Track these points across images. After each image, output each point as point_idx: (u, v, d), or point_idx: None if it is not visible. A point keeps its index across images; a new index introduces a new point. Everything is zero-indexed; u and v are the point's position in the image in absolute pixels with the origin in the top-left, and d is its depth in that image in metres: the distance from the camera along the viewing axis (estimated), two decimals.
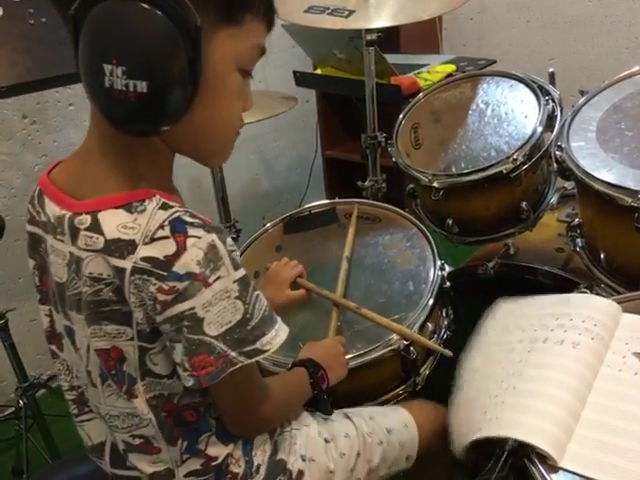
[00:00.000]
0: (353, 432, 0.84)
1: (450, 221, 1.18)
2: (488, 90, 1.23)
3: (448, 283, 1.04)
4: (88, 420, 0.74)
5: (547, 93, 1.15)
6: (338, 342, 0.93)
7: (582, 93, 1.12)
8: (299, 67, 2.09)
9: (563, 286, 1.12)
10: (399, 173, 1.25)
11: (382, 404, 1.00)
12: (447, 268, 1.05)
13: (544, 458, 0.64)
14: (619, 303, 0.81)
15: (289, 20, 1.26)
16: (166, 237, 0.56)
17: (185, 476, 0.70)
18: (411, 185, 1.30)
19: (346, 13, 1.18)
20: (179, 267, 0.56)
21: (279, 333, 0.64)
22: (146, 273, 0.56)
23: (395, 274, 1.08)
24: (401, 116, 1.26)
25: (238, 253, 0.62)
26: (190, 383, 0.61)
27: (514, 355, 0.79)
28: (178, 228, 0.57)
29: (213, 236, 0.57)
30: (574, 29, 2.29)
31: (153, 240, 0.56)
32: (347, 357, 0.92)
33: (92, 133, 0.62)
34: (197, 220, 0.58)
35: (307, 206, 1.23)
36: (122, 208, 0.58)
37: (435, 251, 1.07)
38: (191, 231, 0.57)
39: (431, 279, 1.03)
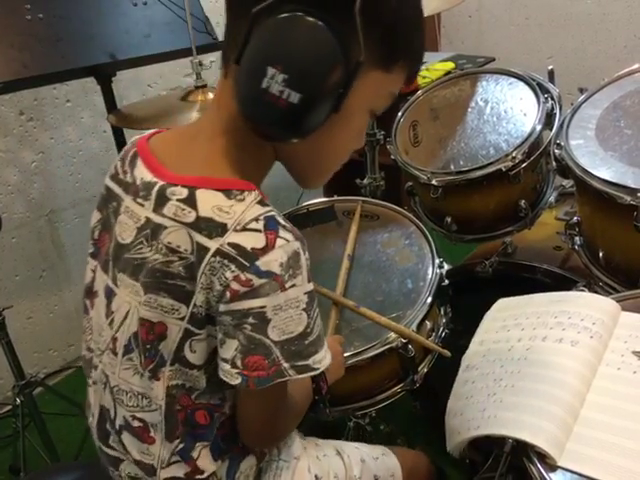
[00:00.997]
0: (342, 473, 0.82)
1: (449, 219, 1.18)
2: (487, 88, 1.22)
3: (446, 281, 1.04)
4: (89, 385, 0.74)
5: (546, 91, 1.14)
6: (337, 342, 0.93)
7: (581, 91, 1.12)
8: None
9: (561, 284, 1.12)
10: (397, 171, 1.25)
11: (380, 402, 1.00)
12: (445, 266, 1.05)
13: (543, 457, 0.63)
14: (618, 302, 0.81)
15: None
16: (258, 230, 0.57)
17: None
18: (409, 183, 1.30)
19: None
20: (262, 263, 0.56)
21: (327, 355, 0.62)
22: (228, 258, 0.57)
23: (393, 272, 1.08)
24: (400, 113, 1.25)
25: (309, 269, 0.61)
26: (237, 381, 0.59)
27: (513, 353, 0.78)
28: (271, 226, 0.57)
29: (299, 244, 0.58)
30: (573, 27, 2.29)
31: (245, 229, 0.57)
32: (345, 355, 0.91)
33: (210, 117, 0.65)
34: (288, 225, 0.59)
35: (305, 204, 1.23)
36: (222, 192, 0.59)
37: (434, 249, 1.06)
38: (282, 233, 0.57)
39: (429, 277, 1.03)
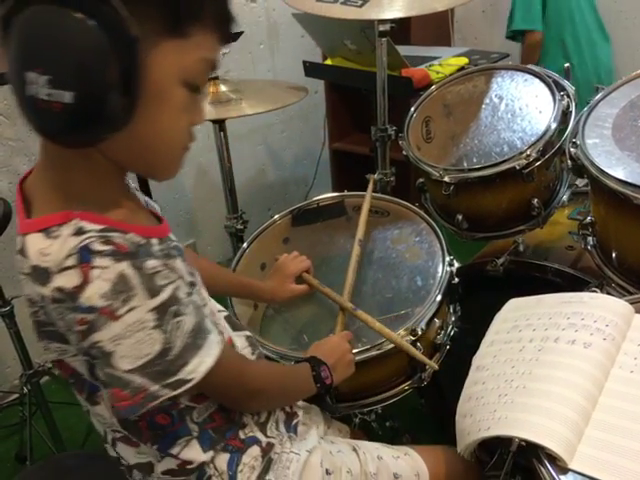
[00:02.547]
0: (357, 469, 0.81)
1: (460, 216, 1.17)
2: (502, 84, 1.21)
3: (457, 279, 1.03)
4: None
5: (562, 88, 1.13)
6: (344, 339, 0.92)
7: (597, 89, 1.10)
8: (308, 57, 2.07)
9: (573, 285, 1.11)
10: (407, 167, 1.23)
11: (387, 399, 0.99)
12: (456, 264, 1.04)
13: (554, 459, 0.63)
14: (631, 304, 0.80)
15: (301, 9, 1.25)
16: (73, 267, 0.53)
17: (163, 473, 0.70)
18: (420, 179, 1.29)
19: (359, 3, 1.16)
20: (84, 300, 0.53)
21: (204, 359, 0.59)
22: (60, 303, 0.55)
23: (403, 269, 1.07)
24: (413, 109, 1.24)
25: (166, 273, 0.57)
26: (115, 412, 0.60)
27: (524, 354, 0.77)
28: (85, 258, 0.53)
29: (123, 265, 0.54)
30: None
31: (62, 269, 0.54)
32: (354, 352, 0.91)
33: (41, 144, 0.59)
34: (108, 248, 0.54)
35: (315, 199, 1.22)
36: (43, 232, 0.56)
37: (444, 247, 1.05)
38: (97, 261, 0.53)
39: (439, 275, 1.02)
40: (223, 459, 0.72)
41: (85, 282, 0.53)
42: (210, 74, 0.61)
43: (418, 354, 0.93)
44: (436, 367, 0.95)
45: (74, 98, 0.48)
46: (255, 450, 0.74)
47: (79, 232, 0.54)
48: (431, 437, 1.42)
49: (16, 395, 1.79)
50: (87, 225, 0.55)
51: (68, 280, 0.53)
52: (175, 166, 0.63)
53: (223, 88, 1.40)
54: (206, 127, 2.17)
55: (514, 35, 2.13)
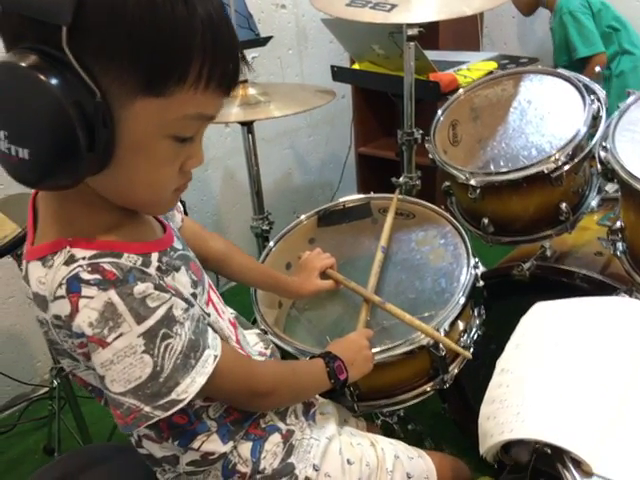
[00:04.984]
0: (374, 463, 0.82)
1: (486, 220, 1.16)
2: (531, 87, 1.20)
3: (481, 282, 1.02)
4: None
5: (592, 92, 1.11)
6: (364, 336, 0.92)
7: (629, 94, 1.09)
8: (336, 63, 2.09)
9: (601, 291, 1.09)
10: (432, 172, 1.23)
11: (409, 400, 0.99)
12: (481, 267, 1.04)
13: (578, 463, 0.62)
14: None
15: (331, 13, 1.26)
16: (63, 297, 0.54)
17: (187, 464, 0.72)
18: (447, 183, 1.28)
19: (388, 7, 1.17)
20: (76, 328, 0.55)
21: (196, 379, 0.59)
22: (60, 328, 0.57)
23: (427, 271, 1.07)
24: (440, 112, 1.24)
25: (156, 295, 0.57)
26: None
27: (551, 357, 0.77)
28: (73, 288, 0.54)
29: (110, 293, 0.54)
30: None
31: (55, 299, 0.55)
32: (374, 351, 0.91)
33: None
34: (95, 276, 0.54)
35: (342, 200, 1.23)
36: (41, 260, 0.57)
37: (469, 249, 1.05)
38: (85, 291, 0.54)
39: (464, 277, 1.01)
40: (246, 447, 0.74)
41: (74, 311, 0.54)
42: (206, 124, 0.59)
43: (451, 343, 0.92)
44: (470, 356, 0.93)
45: (30, 155, 0.48)
46: (276, 437, 0.76)
47: (69, 261, 0.55)
48: (453, 442, 1.41)
49: (46, 389, 1.84)
50: (78, 252, 0.56)
51: (61, 309, 0.55)
52: (163, 206, 0.63)
53: (252, 91, 1.42)
54: (234, 130, 2.22)
55: (569, 64, 2.13)
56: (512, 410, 0.72)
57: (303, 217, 1.22)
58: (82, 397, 1.61)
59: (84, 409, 1.58)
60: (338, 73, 1.95)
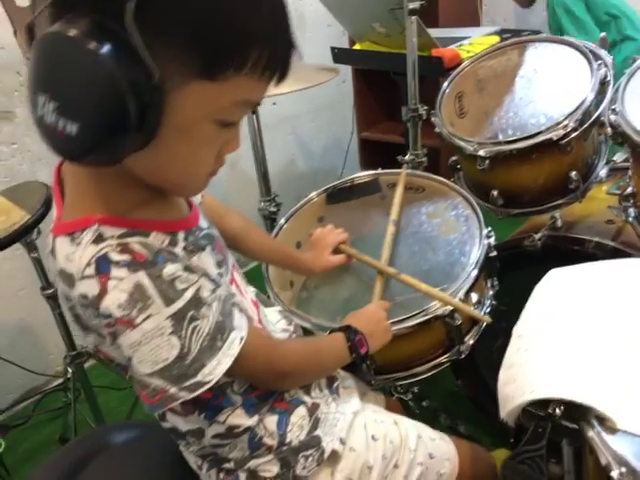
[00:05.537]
0: (397, 441, 0.82)
1: (495, 192, 1.15)
2: (536, 56, 1.18)
3: (495, 252, 1.02)
4: None
5: (599, 58, 1.10)
6: (381, 307, 0.92)
7: (634, 60, 1.07)
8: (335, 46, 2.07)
9: (615, 258, 1.08)
10: (437, 153, 1.22)
11: (425, 372, 0.99)
12: (493, 237, 1.03)
13: (603, 420, 0.62)
14: None
15: None
16: (92, 276, 0.54)
17: (212, 437, 0.72)
18: (453, 157, 1.27)
19: None
20: (104, 309, 0.54)
21: (222, 361, 0.59)
22: (86, 307, 0.56)
23: (440, 242, 1.06)
24: (445, 84, 1.23)
25: (185, 277, 0.56)
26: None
27: (570, 320, 0.76)
28: (103, 268, 0.54)
29: (140, 275, 0.54)
30: None
31: (83, 278, 0.55)
32: (390, 321, 0.90)
33: None
34: (125, 257, 0.54)
35: (350, 177, 1.22)
36: (69, 236, 0.56)
37: (481, 219, 1.04)
38: (114, 272, 0.54)
39: (477, 247, 1.01)
40: (272, 420, 0.73)
41: (103, 292, 0.54)
42: (250, 110, 0.59)
43: (469, 308, 0.92)
44: (489, 320, 0.93)
45: (79, 129, 0.47)
46: (302, 410, 0.76)
47: (98, 239, 0.55)
48: (467, 418, 1.41)
49: (59, 381, 1.85)
50: (106, 231, 0.55)
51: (89, 288, 0.54)
52: (195, 189, 0.63)
53: None
54: None
55: None
56: (533, 372, 0.72)
57: (314, 194, 1.21)
58: (97, 387, 1.63)
59: (99, 399, 1.59)
60: (339, 54, 1.93)
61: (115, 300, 0.54)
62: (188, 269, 0.57)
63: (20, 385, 1.87)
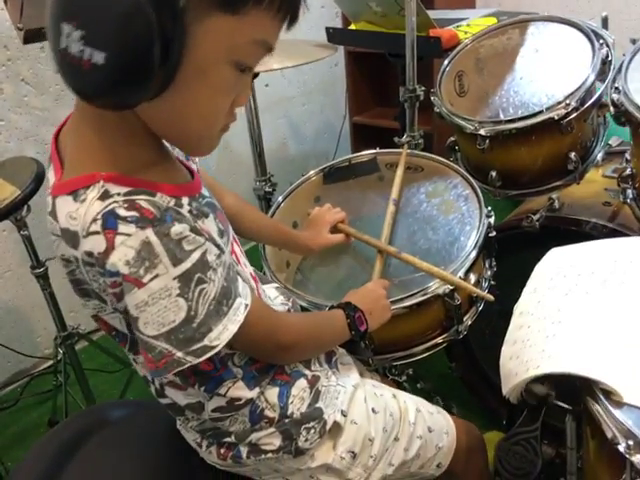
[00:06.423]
0: (397, 414, 0.83)
1: (494, 173, 1.15)
2: (538, 35, 1.17)
3: (494, 232, 1.01)
4: None
5: (600, 37, 1.09)
6: (380, 285, 0.92)
7: (634, 42, 1.07)
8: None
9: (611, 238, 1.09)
10: (431, 139, 1.20)
11: (423, 352, 0.99)
12: (493, 217, 1.03)
13: (609, 394, 0.61)
14: None
15: None
16: (97, 232, 0.52)
17: (212, 411, 0.71)
18: (452, 138, 1.26)
19: None
20: (110, 265, 0.52)
21: (228, 326, 0.58)
22: (91, 266, 0.55)
23: (439, 221, 1.05)
24: (445, 62, 1.22)
25: (192, 238, 0.55)
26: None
27: (570, 298, 0.76)
28: (109, 223, 0.52)
29: (148, 232, 0.52)
30: None
31: (89, 234, 0.53)
32: (389, 300, 0.90)
33: (76, 98, 0.56)
34: (132, 213, 0.53)
35: (347, 156, 1.21)
36: (71, 195, 0.55)
37: (481, 198, 1.04)
38: (122, 227, 0.52)
39: (477, 226, 1.00)
40: (273, 393, 0.73)
41: (110, 248, 0.52)
42: (263, 57, 0.57)
43: (471, 287, 0.92)
44: (491, 298, 0.93)
45: (105, 59, 0.46)
46: (302, 382, 0.76)
47: (104, 196, 0.53)
48: (461, 400, 1.42)
49: (47, 364, 1.82)
50: (113, 188, 0.54)
51: (94, 245, 0.53)
52: (210, 144, 0.61)
53: None
54: None
55: None
56: (536, 348, 0.72)
57: (312, 172, 1.20)
58: (88, 369, 1.60)
59: (90, 382, 1.57)
60: (334, 35, 1.90)
61: (122, 256, 0.52)
62: (195, 230, 0.56)
63: (7, 368, 1.85)
